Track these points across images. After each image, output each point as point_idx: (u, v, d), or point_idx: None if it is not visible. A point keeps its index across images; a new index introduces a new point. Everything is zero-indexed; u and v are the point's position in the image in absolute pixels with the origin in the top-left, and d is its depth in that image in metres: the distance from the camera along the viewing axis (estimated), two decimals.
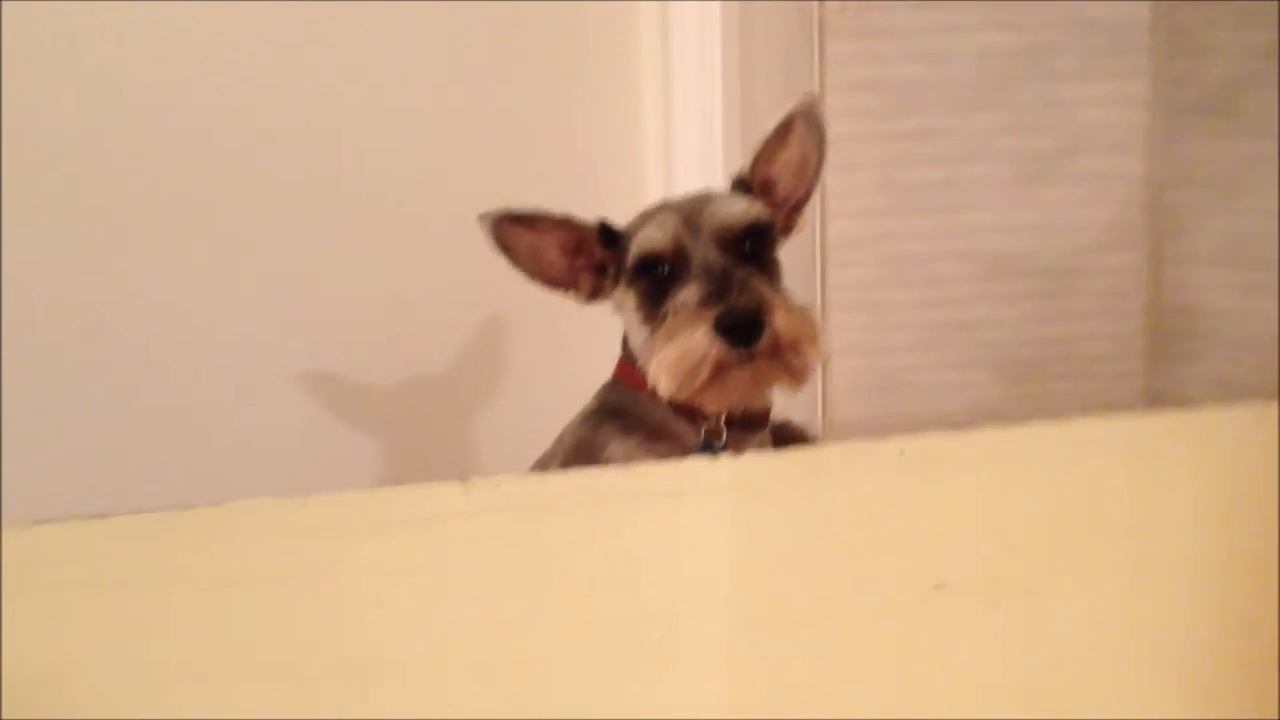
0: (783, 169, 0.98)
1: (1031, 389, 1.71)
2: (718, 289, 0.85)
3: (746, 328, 0.83)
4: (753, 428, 0.93)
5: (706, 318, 0.83)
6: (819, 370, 1.68)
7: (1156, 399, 1.70)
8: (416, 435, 1.49)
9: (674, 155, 1.60)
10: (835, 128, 1.66)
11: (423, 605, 0.44)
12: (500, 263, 0.96)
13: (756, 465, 0.58)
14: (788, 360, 0.85)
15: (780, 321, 0.84)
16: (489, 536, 0.49)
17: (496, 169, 1.52)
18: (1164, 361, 1.73)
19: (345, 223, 1.45)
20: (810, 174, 0.98)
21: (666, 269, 0.90)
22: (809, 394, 1.68)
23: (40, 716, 0.37)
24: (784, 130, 0.97)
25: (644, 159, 1.63)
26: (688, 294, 0.86)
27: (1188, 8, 1.67)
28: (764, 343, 0.83)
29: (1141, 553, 0.46)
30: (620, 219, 1.01)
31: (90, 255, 1.35)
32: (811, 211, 1.63)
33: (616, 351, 1.01)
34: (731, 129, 1.57)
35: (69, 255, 1.34)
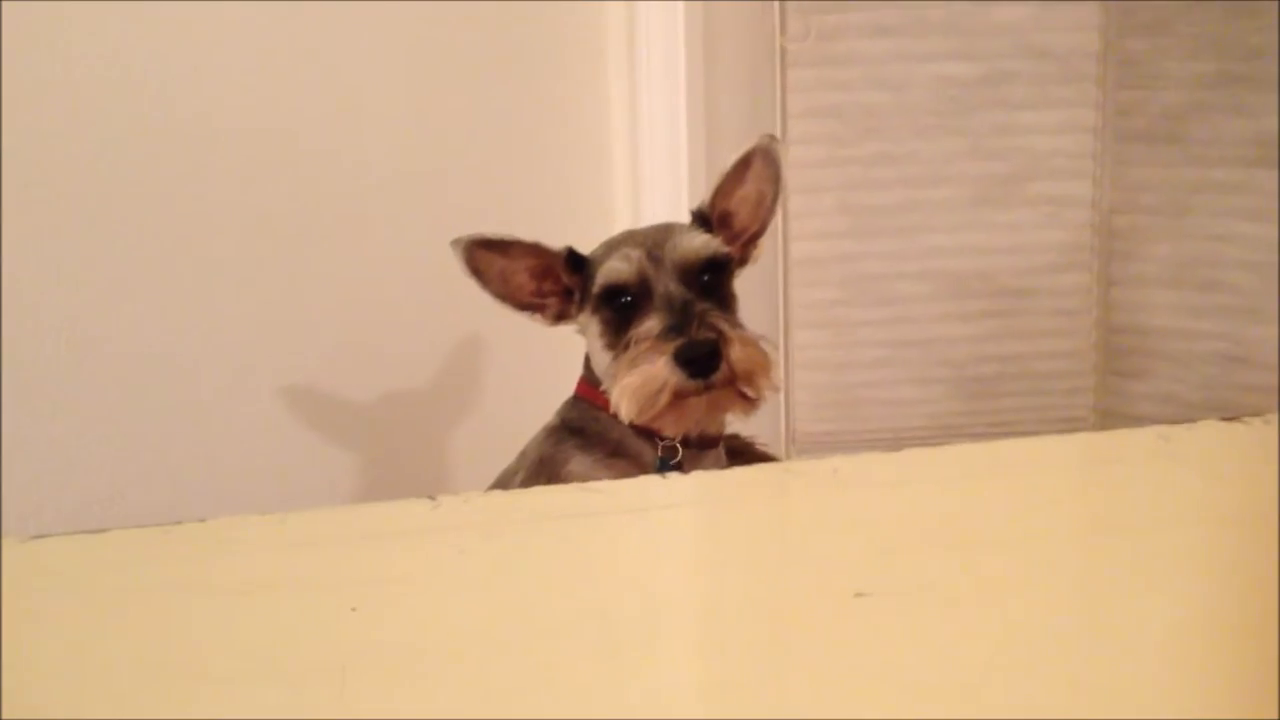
0: (740, 203, 1.01)
1: (987, 404, 1.76)
2: (678, 322, 0.89)
3: (705, 360, 0.86)
4: (707, 446, 0.97)
5: (667, 350, 0.87)
6: (781, 387, 1.72)
7: (1106, 414, 1.75)
8: (393, 447, 1.52)
9: (641, 177, 1.64)
10: (798, 152, 1.70)
11: (395, 613, 0.48)
12: (469, 282, 1.00)
13: (705, 483, 0.63)
14: (742, 390, 0.89)
15: (736, 354, 0.88)
16: (457, 550, 0.54)
17: (473, 188, 1.55)
18: (1114, 378, 1.78)
19: (323, 236, 1.48)
20: (766, 209, 1.02)
21: (630, 299, 0.93)
22: (773, 409, 1.72)
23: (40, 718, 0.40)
24: (743, 167, 1.01)
25: (613, 180, 1.67)
26: (650, 325, 0.90)
27: (1136, 39, 1.72)
28: (720, 374, 0.87)
29: (1055, 562, 0.51)
30: (591, 236, 1.05)
31: (74, 268, 1.37)
32: (774, 233, 1.68)
33: (579, 370, 1.05)
34: (696, 152, 1.61)
35: (54, 269, 1.36)
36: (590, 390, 0.98)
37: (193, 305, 1.42)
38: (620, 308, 0.94)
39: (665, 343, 0.88)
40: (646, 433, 0.94)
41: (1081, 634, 0.45)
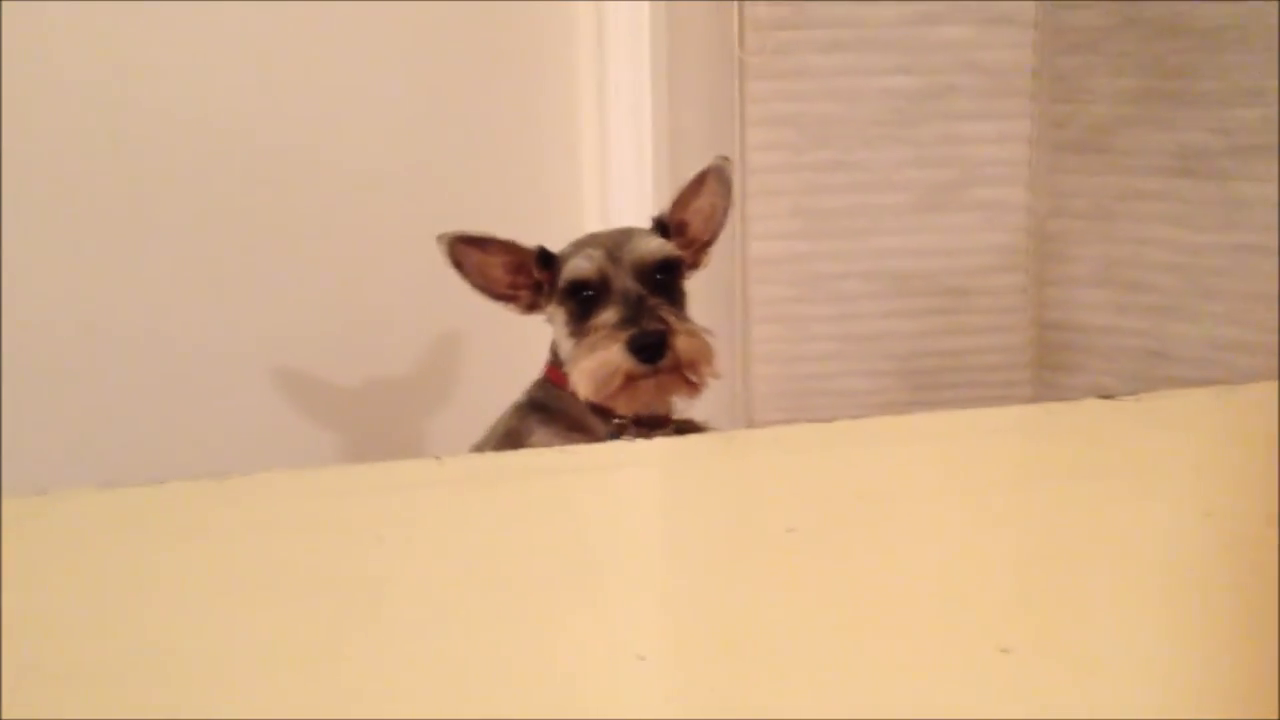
0: (695, 215, 1.12)
1: (931, 395, 1.82)
2: (632, 314, 0.99)
3: (653, 348, 0.97)
4: (655, 426, 1.07)
5: (621, 338, 0.98)
6: (739, 378, 1.81)
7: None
8: (374, 431, 1.59)
9: (609, 180, 1.70)
10: (755, 159, 1.77)
11: (413, 545, 0.58)
12: (450, 274, 1.09)
13: (666, 446, 0.73)
14: (686, 375, 1.00)
15: (681, 344, 0.98)
16: (458, 500, 0.64)
17: (450, 189, 1.62)
18: (1047, 371, 1.85)
19: (307, 232, 1.54)
20: (718, 221, 1.13)
21: (591, 293, 1.03)
22: (732, 398, 1.80)
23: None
24: (698, 183, 1.11)
25: (581, 182, 1.73)
26: (607, 316, 1.01)
27: (1067, 57, 1.78)
28: (667, 361, 0.98)
29: (972, 510, 0.62)
30: (562, 235, 1.13)
31: (69, 258, 1.43)
32: (733, 235, 1.75)
33: (546, 356, 1.14)
34: (661, 157, 1.67)
35: (50, 262, 1.41)
36: (556, 373, 1.08)
37: (184, 297, 1.49)
38: (583, 300, 1.04)
39: (620, 331, 0.98)
40: (602, 411, 1.04)
41: (997, 574, 0.56)
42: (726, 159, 1.12)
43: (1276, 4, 1.63)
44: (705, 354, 1.01)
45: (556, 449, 0.78)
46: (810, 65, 1.77)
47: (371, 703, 0.43)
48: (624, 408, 1.02)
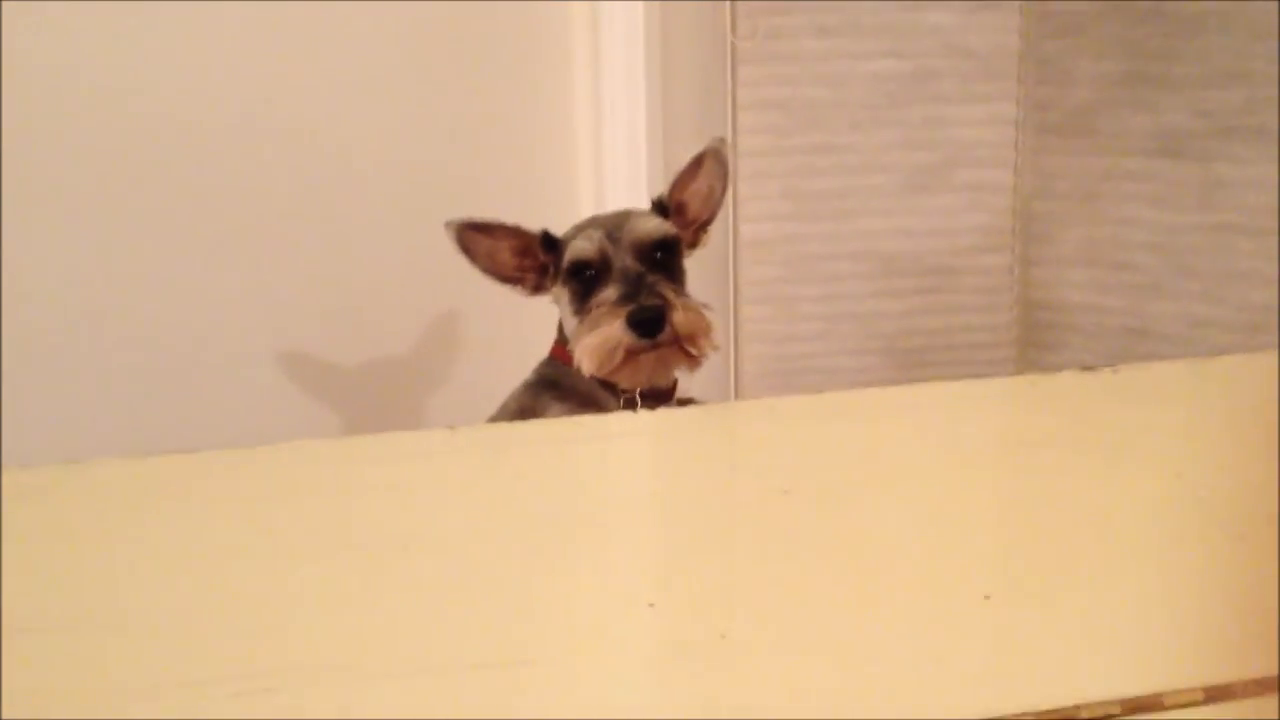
0: (692, 196, 1.14)
1: (917, 373, 1.85)
2: (632, 291, 1.02)
3: (652, 322, 1.00)
4: (661, 400, 1.10)
5: (621, 314, 1.00)
6: (730, 357, 1.84)
7: None
8: (375, 411, 1.62)
9: (604, 164, 1.72)
10: (746, 142, 1.79)
11: (435, 507, 0.62)
12: (454, 258, 1.11)
13: (666, 416, 0.77)
14: (685, 349, 1.02)
15: (679, 319, 1.01)
16: (470, 467, 0.68)
17: (451, 175, 1.64)
18: (1032, 349, 1.88)
19: (312, 220, 1.57)
20: (715, 201, 1.15)
21: (593, 272, 1.06)
22: (723, 377, 1.83)
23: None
24: (696, 165, 1.13)
25: (577, 165, 1.76)
26: (608, 293, 1.03)
27: (1052, 41, 1.80)
28: (665, 335, 1.00)
29: (958, 475, 0.66)
30: (557, 217, 1.15)
31: (69, 244, 1.44)
32: (726, 217, 1.78)
33: (553, 335, 1.17)
34: (654, 141, 1.69)
35: (49, 245, 1.43)
36: (562, 351, 1.11)
37: (189, 283, 1.51)
38: (585, 280, 1.06)
39: (620, 308, 1.01)
40: (610, 387, 1.07)
41: (982, 532, 0.60)
42: (723, 140, 1.15)
43: None
44: (703, 327, 1.03)
45: (562, 419, 0.82)
46: (800, 50, 1.79)
47: (402, 645, 0.47)
48: (627, 382, 1.04)
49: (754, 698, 0.43)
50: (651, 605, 0.50)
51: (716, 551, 0.57)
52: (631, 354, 1.01)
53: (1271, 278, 1.69)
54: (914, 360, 1.87)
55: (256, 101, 1.52)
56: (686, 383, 1.13)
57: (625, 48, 1.67)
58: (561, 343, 1.13)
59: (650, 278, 1.04)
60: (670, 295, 1.03)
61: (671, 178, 1.14)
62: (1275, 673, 0.43)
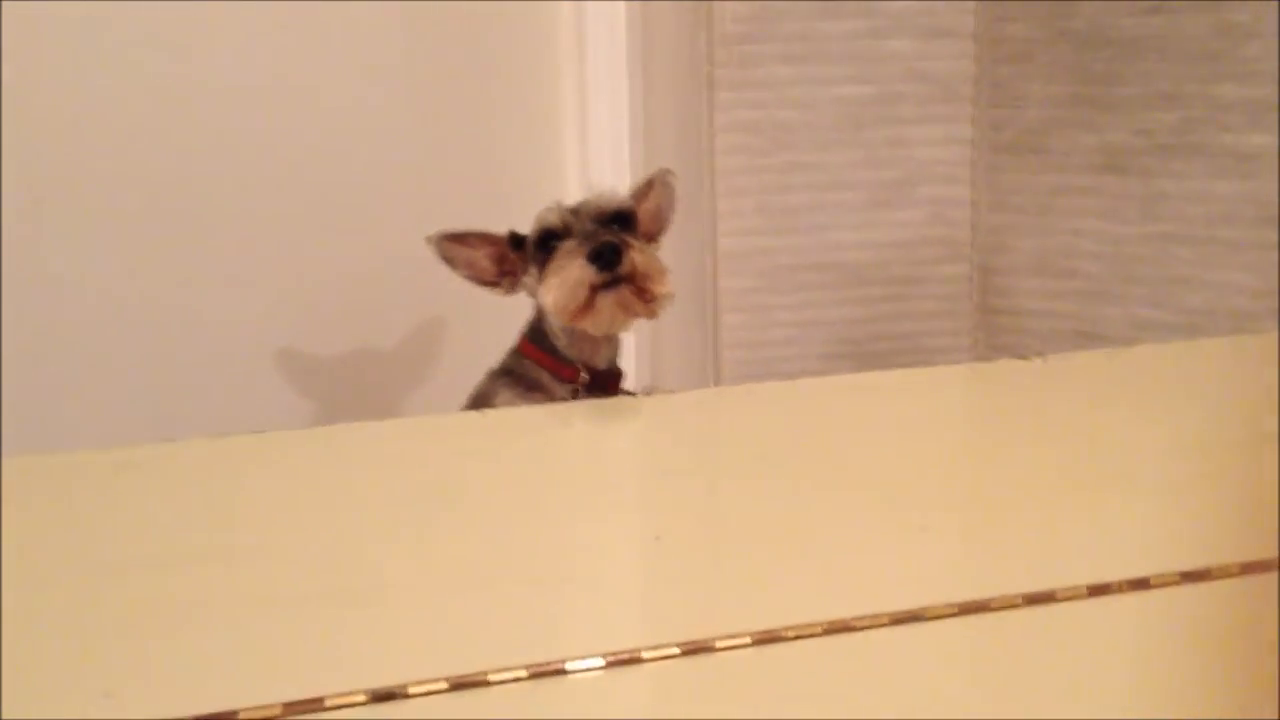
0: (644, 213, 1.21)
1: None
2: (591, 237, 1.06)
3: (610, 254, 1.03)
4: (610, 390, 1.17)
5: (581, 252, 1.04)
6: (711, 361, 1.93)
7: None
8: (360, 407, 1.68)
9: (589, 181, 1.75)
10: (723, 162, 1.88)
11: (457, 479, 0.74)
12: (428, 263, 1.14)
13: (651, 403, 0.89)
14: (643, 289, 1.05)
15: (636, 256, 1.04)
16: (487, 447, 0.80)
17: (442, 186, 1.71)
18: (989, 351, 1.96)
19: (305, 224, 1.61)
20: (664, 221, 1.23)
21: (558, 240, 1.10)
22: (704, 379, 1.91)
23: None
24: (646, 186, 1.22)
25: (565, 183, 1.82)
26: (569, 244, 1.08)
27: (1004, 66, 1.88)
28: (624, 267, 1.03)
29: (924, 445, 0.78)
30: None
31: (74, 243, 1.47)
32: (705, 230, 1.86)
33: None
34: (637, 160, 1.77)
35: (50, 243, 1.45)
36: (527, 345, 1.20)
37: (189, 282, 1.55)
38: (551, 250, 1.10)
39: (580, 248, 1.05)
40: (560, 377, 1.15)
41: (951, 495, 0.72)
42: (669, 171, 1.22)
43: (1188, 17, 1.74)
44: (659, 269, 1.07)
45: (547, 406, 0.94)
46: (771, 77, 1.87)
47: (461, 575, 0.59)
48: (590, 325, 1.08)
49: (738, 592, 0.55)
50: (658, 538, 0.62)
51: (710, 500, 0.69)
52: (593, 291, 1.04)
53: (1208, 282, 1.78)
54: (880, 363, 1.94)
55: (244, 102, 1.55)
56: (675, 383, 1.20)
57: (609, 74, 1.75)
58: (528, 337, 1.21)
59: (608, 231, 1.08)
60: (627, 238, 1.07)
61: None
62: None
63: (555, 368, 1.15)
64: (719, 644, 0.50)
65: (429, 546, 0.61)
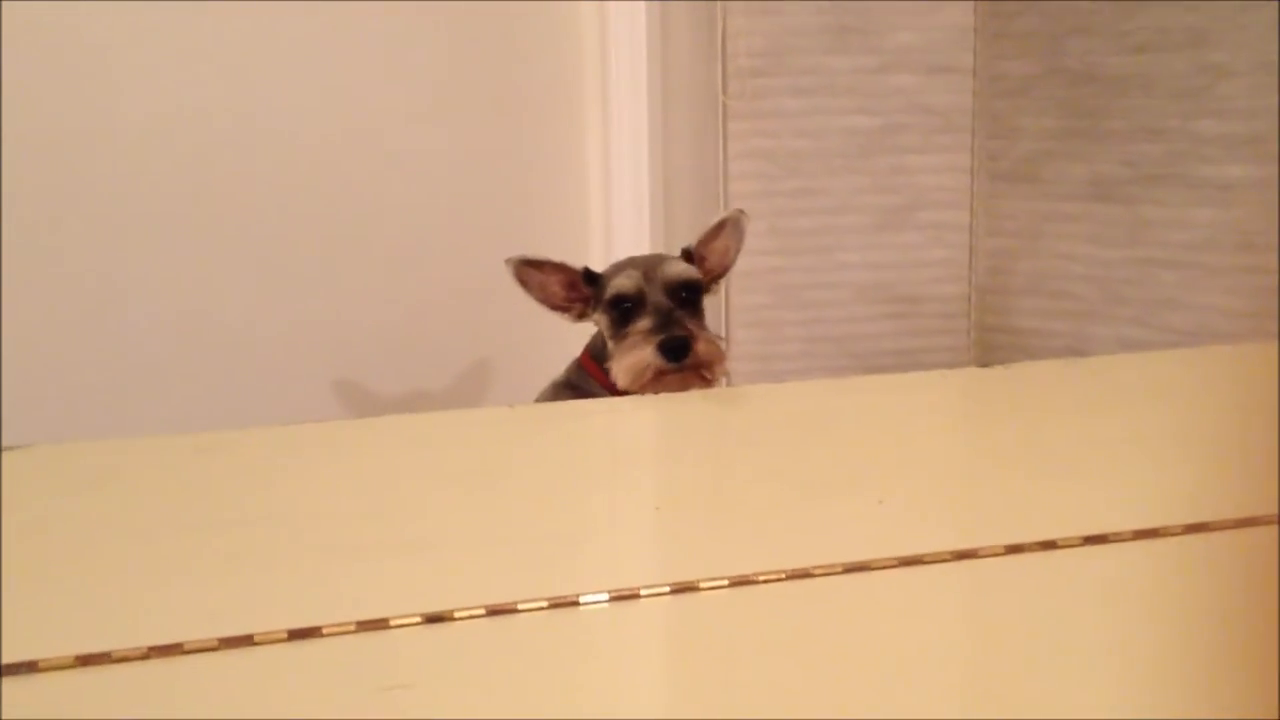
0: (712, 252, 1.30)
1: None
2: (663, 323, 1.17)
3: (679, 349, 1.14)
4: None
5: (653, 341, 1.15)
6: (730, 375, 2.02)
7: None
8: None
9: (611, 205, 1.87)
10: (736, 187, 1.96)
11: (498, 458, 0.86)
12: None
13: (679, 400, 1.02)
14: (703, 373, 1.18)
15: (701, 348, 1.16)
16: (525, 434, 0.92)
17: (476, 215, 1.77)
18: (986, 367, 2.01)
19: (363, 254, 1.68)
20: (730, 258, 1.31)
21: (630, 304, 1.22)
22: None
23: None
24: (719, 227, 1.30)
25: (588, 209, 1.90)
26: (643, 323, 1.18)
27: (1001, 101, 1.93)
28: (689, 360, 1.15)
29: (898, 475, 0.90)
30: (574, 252, 1.29)
31: (119, 262, 1.47)
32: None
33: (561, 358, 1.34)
34: (656, 186, 1.84)
35: (90, 262, 1.46)
36: (589, 361, 1.31)
37: (251, 309, 1.61)
38: (623, 310, 1.22)
39: (653, 336, 1.16)
40: (613, 393, 1.22)
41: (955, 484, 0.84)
42: (742, 212, 1.31)
43: (1171, 56, 1.81)
44: (719, 356, 1.18)
45: (592, 400, 1.06)
46: (782, 108, 1.93)
47: (498, 530, 0.71)
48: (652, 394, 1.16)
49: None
50: (658, 508, 0.74)
51: (706, 479, 0.81)
52: (659, 374, 1.16)
53: (1190, 304, 1.85)
54: None
55: (265, 114, 1.57)
56: None
57: (631, 106, 1.84)
58: (590, 352, 1.31)
59: (678, 313, 1.19)
60: (694, 328, 1.18)
61: (670, 218, 1.32)
62: None
63: (609, 386, 1.23)
64: (702, 585, 0.62)
65: (474, 509, 0.74)
